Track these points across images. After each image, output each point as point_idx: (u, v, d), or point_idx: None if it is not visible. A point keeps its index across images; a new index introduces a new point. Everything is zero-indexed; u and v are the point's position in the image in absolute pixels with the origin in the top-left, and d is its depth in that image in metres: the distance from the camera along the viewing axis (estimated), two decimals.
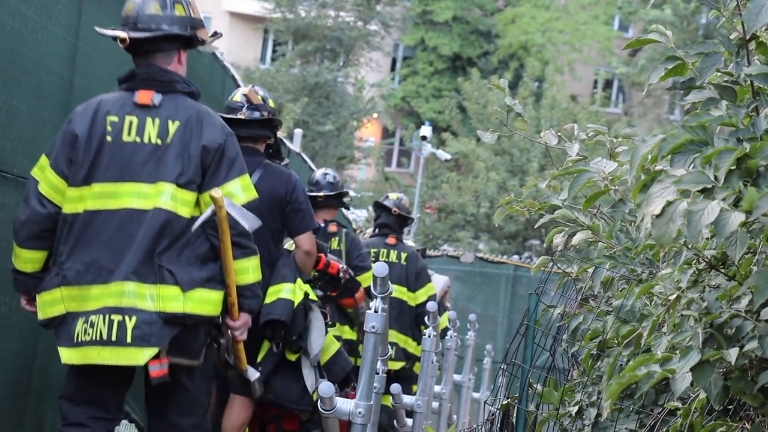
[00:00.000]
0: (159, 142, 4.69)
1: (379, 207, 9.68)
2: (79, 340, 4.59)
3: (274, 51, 39.55)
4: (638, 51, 35.15)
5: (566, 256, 4.36)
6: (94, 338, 4.56)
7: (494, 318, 20.47)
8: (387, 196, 9.76)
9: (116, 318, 4.54)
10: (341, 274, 7.02)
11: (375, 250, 9.41)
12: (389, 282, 4.48)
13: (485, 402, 4.56)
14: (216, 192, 4.62)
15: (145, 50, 4.83)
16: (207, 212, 4.64)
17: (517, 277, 20.48)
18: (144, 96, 4.75)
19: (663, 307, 3.00)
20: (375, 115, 38.05)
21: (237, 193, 4.70)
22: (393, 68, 42.78)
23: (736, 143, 2.69)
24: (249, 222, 4.74)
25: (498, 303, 20.56)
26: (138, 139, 4.69)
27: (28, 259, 4.79)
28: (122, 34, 4.78)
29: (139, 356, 4.57)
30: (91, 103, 4.80)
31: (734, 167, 2.61)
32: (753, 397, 2.76)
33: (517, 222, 28.70)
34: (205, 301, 4.65)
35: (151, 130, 4.69)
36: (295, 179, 6.16)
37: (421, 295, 9.33)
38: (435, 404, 7.75)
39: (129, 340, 4.54)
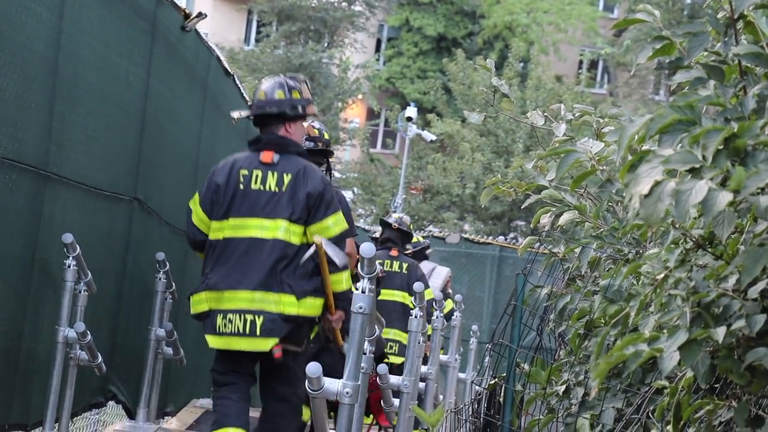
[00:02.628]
0: (277, 189, 6.45)
1: (383, 224, 11.42)
2: (221, 331, 6.36)
3: (258, 32, 39.44)
4: (623, 31, 35.15)
5: (553, 236, 4.37)
6: (233, 331, 6.33)
7: (480, 299, 20.49)
8: (390, 214, 11.81)
9: (249, 317, 6.30)
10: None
11: (380, 261, 10.75)
12: (376, 263, 4.49)
13: (472, 382, 4.57)
14: (317, 238, 6.28)
15: (269, 123, 6.61)
16: (311, 250, 6.28)
17: (502, 258, 20.49)
18: (266, 156, 6.51)
19: (650, 286, 3.00)
20: (360, 96, 37.98)
21: (331, 225, 6.40)
22: (378, 49, 42.70)
23: (723, 123, 2.69)
24: (339, 259, 6.42)
25: (483, 284, 20.58)
26: (261, 187, 6.46)
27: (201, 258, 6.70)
28: (248, 113, 6.68)
29: (265, 344, 6.29)
30: (229, 161, 6.60)
31: (722, 147, 2.61)
32: (740, 376, 2.76)
33: (502, 203, 28.72)
34: (311, 306, 6.34)
35: (271, 180, 6.45)
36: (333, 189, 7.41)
37: None
38: (421, 385, 7.75)
39: (258, 333, 6.28)
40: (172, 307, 8.38)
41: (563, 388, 3.82)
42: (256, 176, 6.49)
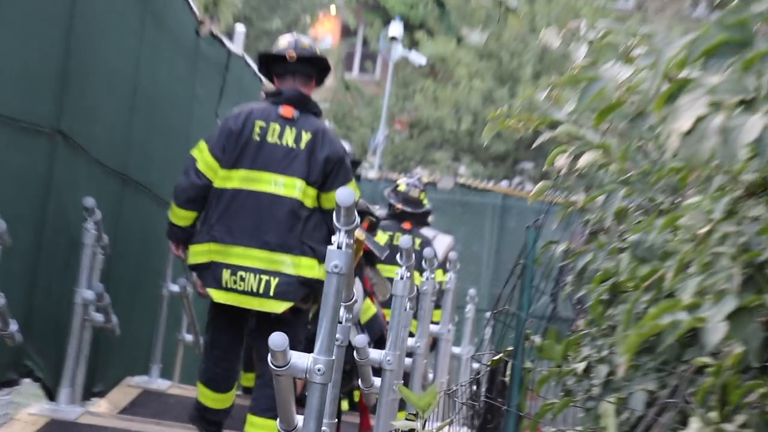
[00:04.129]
0: (294, 146, 7.47)
1: (389, 194, 12.21)
2: (229, 286, 7.38)
3: None
4: None
5: (571, 181, 4.38)
6: (246, 289, 7.35)
7: (478, 256, 20.54)
8: (397, 185, 12.31)
9: (264, 277, 7.33)
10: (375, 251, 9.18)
11: (390, 233, 11.80)
12: (356, 214, 4.49)
13: (470, 357, 4.60)
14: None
15: (292, 72, 7.62)
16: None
17: (506, 207, 20.52)
18: (287, 111, 7.54)
19: (691, 242, 3.02)
20: (333, 10, 37.83)
21: None
22: None
23: None
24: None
25: (483, 238, 20.62)
26: (278, 141, 7.47)
27: (182, 217, 7.66)
28: (291, 52, 7.60)
29: (278, 306, 7.38)
30: (245, 109, 7.61)
31: None
32: None
33: (507, 140, 28.73)
34: None
35: (289, 136, 7.47)
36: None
37: None
38: (407, 360, 7.79)
39: (272, 294, 7.34)
40: (104, 264, 8.38)
41: (582, 365, 3.85)
42: (273, 129, 7.50)
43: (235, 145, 7.47)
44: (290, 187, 7.43)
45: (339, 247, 4.41)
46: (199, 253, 7.49)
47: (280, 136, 7.51)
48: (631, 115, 3.92)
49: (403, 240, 7.04)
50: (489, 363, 4.60)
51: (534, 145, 4.73)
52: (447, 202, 20.65)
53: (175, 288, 9.88)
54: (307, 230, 7.43)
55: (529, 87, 27.67)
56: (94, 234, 8.14)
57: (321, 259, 7.29)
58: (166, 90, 10.28)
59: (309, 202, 7.46)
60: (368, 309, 9.28)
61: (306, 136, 7.50)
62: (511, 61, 29.61)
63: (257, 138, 7.49)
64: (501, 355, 4.45)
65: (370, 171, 24.22)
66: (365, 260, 9.29)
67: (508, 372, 4.46)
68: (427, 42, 31.15)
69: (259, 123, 7.53)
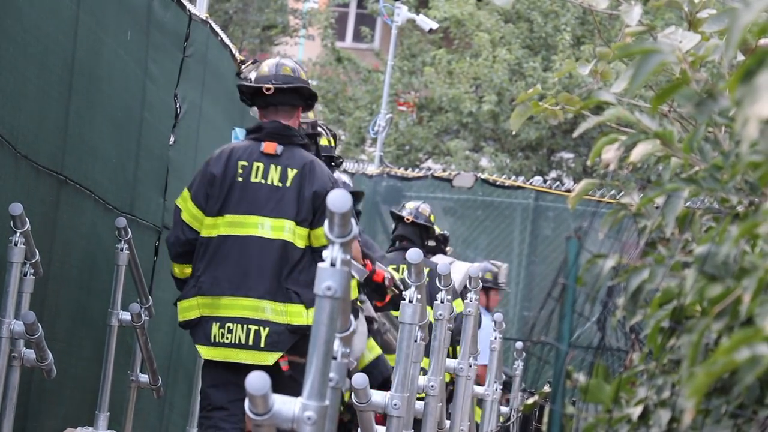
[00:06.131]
0: (280, 184, 8.61)
1: (394, 217, 13.74)
2: (217, 341, 8.57)
3: None
4: None
5: (622, 178, 4.39)
6: (233, 342, 8.53)
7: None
8: (403, 205, 13.90)
9: (253, 328, 8.48)
10: (387, 283, 10.27)
11: (394, 267, 12.86)
12: (352, 222, 4.50)
13: (497, 401, 4.62)
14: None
15: (274, 104, 8.78)
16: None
17: (539, 210, 20.53)
18: (269, 147, 8.71)
19: None
20: None
21: None
22: None
23: None
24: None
25: (511, 248, 20.64)
26: (263, 181, 8.62)
27: (181, 271, 8.98)
28: (267, 84, 8.73)
29: (269, 358, 8.52)
30: (225, 150, 8.81)
31: None
32: None
33: (540, 126, 28.74)
34: None
35: (274, 174, 8.60)
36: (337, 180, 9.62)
37: None
38: (419, 404, 7.81)
39: (262, 345, 8.52)
40: (35, 288, 8.38)
41: (638, 410, 3.86)
42: (257, 168, 8.63)
43: (219, 191, 8.62)
44: (278, 229, 8.57)
45: (332, 264, 4.40)
46: (188, 308, 8.65)
47: (265, 175, 8.64)
48: (698, 95, 3.93)
49: (411, 254, 7.04)
50: (520, 407, 4.61)
51: (575, 134, 4.74)
52: (465, 203, 20.66)
53: (126, 316, 9.84)
54: (293, 275, 8.51)
55: (568, 59, 27.68)
56: (23, 250, 8.14)
57: (308, 304, 8.45)
58: (111, 66, 10.29)
59: (300, 242, 8.59)
60: (366, 356, 10.23)
61: (292, 173, 8.63)
62: (544, 24, 29.63)
63: (240, 179, 8.63)
64: (536, 397, 4.47)
65: (369, 165, 24.24)
66: (375, 299, 10.18)
67: (545, 419, 4.48)
68: (439, 0, 31.13)
69: (242, 163, 8.66)
